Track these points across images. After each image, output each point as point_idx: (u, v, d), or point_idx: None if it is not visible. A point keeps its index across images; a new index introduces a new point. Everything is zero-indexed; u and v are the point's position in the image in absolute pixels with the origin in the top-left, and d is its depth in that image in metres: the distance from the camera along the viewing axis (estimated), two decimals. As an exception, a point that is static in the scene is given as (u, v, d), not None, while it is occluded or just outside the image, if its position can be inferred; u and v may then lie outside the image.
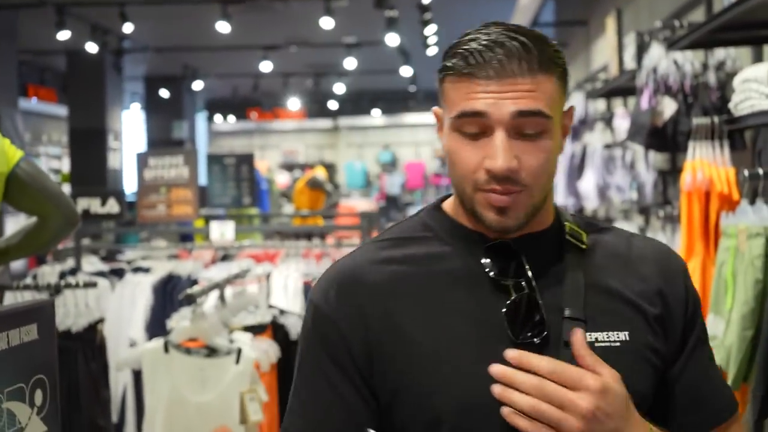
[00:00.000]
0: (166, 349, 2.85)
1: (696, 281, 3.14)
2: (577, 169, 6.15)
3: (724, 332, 2.69)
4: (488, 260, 1.23)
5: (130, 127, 15.20)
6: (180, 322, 2.97)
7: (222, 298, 3.16)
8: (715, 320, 2.78)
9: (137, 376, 4.17)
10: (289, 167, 18.12)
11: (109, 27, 10.54)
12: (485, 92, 1.17)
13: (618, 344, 1.22)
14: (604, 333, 1.22)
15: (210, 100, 17.99)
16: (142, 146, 15.47)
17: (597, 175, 5.65)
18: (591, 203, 5.94)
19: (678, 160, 4.79)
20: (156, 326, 4.46)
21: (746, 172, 2.72)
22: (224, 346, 2.86)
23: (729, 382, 2.70)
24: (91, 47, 10.49)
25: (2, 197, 2.49)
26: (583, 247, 1.28)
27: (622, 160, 5.23)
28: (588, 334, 1.20)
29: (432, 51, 10.92)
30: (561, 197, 6.76)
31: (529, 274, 1.22)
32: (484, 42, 1.17)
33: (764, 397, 2.45)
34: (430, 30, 9.71)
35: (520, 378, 1.13)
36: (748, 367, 2.58)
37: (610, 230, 1.35)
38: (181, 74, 14.53)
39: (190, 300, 2.81)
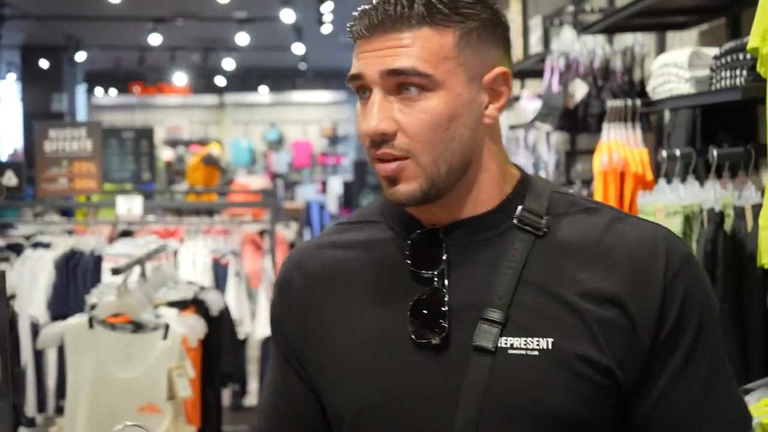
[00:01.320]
0: (91, 325, 2.85)
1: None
2: None
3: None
4: (410, 249, 1.15)
5: (6, 98, 14.62)
6: (103, 297, 2.94)
7: (143, 273, 3.13)
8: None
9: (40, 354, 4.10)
10: (173, 143, 17.84)
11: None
12: (362, 52, 1.12)
13: (536, 353, 1.09)
14: (523, 339, 1.10)
15: (91, 72, 17.45)
16: (19, 119, 14.94)
17: None
18: None
19: (579, 141, 4.99)
20: (59, 304, 4.43)
21: (664, 153, 2.87)
22: (151, 321, 2.87)
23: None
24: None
25: None
26: (539, 234, 1.13)
27: (524, 141, 5.31)
28: (503, 338, 1.10)
29: (326, 29, 10.91)
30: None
31: (443, 267, 1.14)
32: (376, 3, 1.12)
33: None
34: (326, 7, 9.71)
35: None
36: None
37: (596, 212, 1.16)
38: (63, 44, 14.06)
39: (117, 273, 2.79)
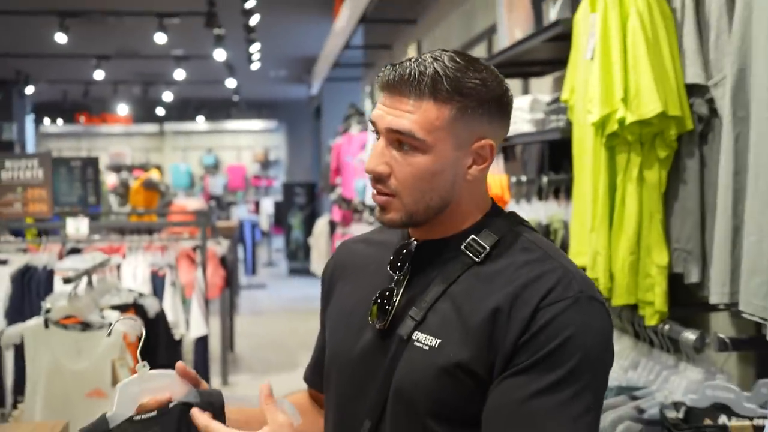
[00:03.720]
0: (47, 326, 3.02)
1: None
2: None
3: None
4: (392, 255, 1.26)
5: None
6: (56, 302, 3.16)
7: (90, 282, 3.38)
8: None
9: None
10: (116, 169, 17.72)
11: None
12: (380, 104, 1.21)
13: (427, 348, 1.19)
14: (425, 335, 1.20)
15: (39, 104, 17.31)
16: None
17: None
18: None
19: None
20: (14, 313, 4.39)
21: (513, 179, 3.27)
22: (97, 321, 3.07)
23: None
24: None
25: None
26: (476, 260, 1.21)
27: None
28: (416, 332, 1.20)
29: (255, 66, 11.09)
30: (371, 196, 7.20)
31: (403, 271, 1.25)
32: (404, 62, 1.19)
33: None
34: (254, 48, 9.92)
35: None
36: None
37: (529, 252, 1.21)
38: (13, 78, 13.96)
39: (68, 282, 3.04)
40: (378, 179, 1.21)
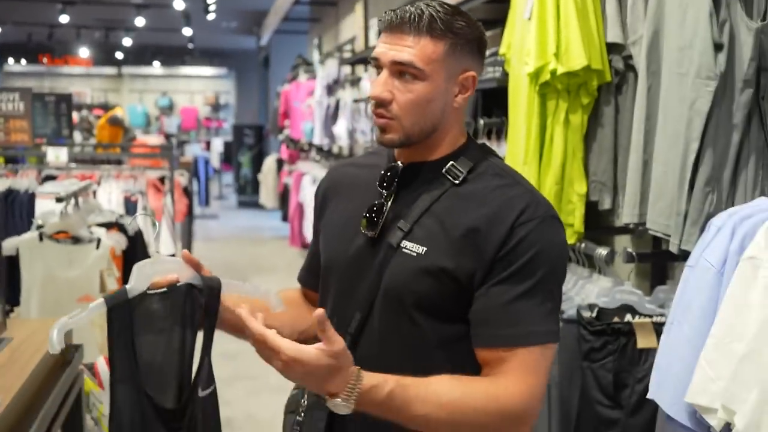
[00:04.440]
0: (41, 239, 3.05)
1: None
2: (332, 117, 6.52)
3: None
4: (381, 175, 1.31)
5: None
6: (48, 219, 3.16)
7: (77, 203, 3.39)
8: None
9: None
10: (78, 107, 17.22)
11: None
12: (382, 42, 1.25)
13: (414, 254, 1.24)
14: (412, 244, 1.25)
15: (4, 44, 16.60)
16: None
17: (347, 122, 5.95)
18: (343, 142, 6.25)
19: None
20: (0, 232, 4.44)
21: None
22: (87, 236, 3.08)
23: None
24: None
25: None
26: (456, 182, 1.27)
27: (365, 111, 5.50)
28: (404, 241, 1.25)
29: (211, 16, 10.88)
30: (318, 137, 7.22)
31: (391, 189, 1.29)
32: (403, 6, 1.24)
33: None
34: (211, -1, 9.76)
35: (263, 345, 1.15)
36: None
37: (501, 177, 1.29)
38: (-20, 19, 13.38)
39: (60, 201, 3.06)
40: (380, 104, 1.25)
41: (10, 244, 3.14)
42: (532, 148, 2.31)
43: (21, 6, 12.30)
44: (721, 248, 1.33)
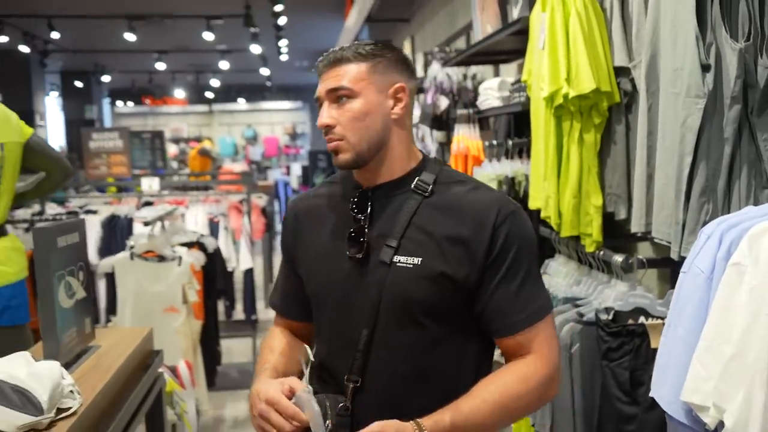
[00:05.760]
0: (132, 258, 3.16)
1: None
2: None
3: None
4: (353, 201, 1.28)
5: (50, 110, 14.47)
6: (138, 240, 3.27)
7: (163, 226, 3.49)
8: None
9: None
10: (176, 141, 17.77)
11: (38, 33, 10.09)
12: (321, 82, 1.28)
13: (411, 266, 1.22)
14: (405, 257, 1.22)
15: (113, 89, 17.28)
16: (61, 125, 14.79)
17: None
18: None
19: (450, 136, 5.32)
20: (104, 251, 4.53)
21: (487, 143, 3.31)
22: (170, 254, 3.18)
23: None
24: (23, 48, 10.05)
25: (21, 160, 2.60)
26: (426, 195, 1.26)
27: (416, 135, 5.38)
28: (396, 257, 1.23)
29: (283, 57, 11.09)
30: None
31: (366, 213, 1.26)
32: (331, 50, 1.29)
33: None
34: (283, 43, 9.92)
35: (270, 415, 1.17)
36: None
37: (464, 183, 1.29)
38: (93, 70, 13.96)
39: (147, 225, 3.15)
40: (328, 131, 1.26)
41: (106, 263, 3.27)
42: (551, 165, 2.26)
43: (125, 57, 12.80)
44: (710, 255, 1.26)
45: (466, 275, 1.22)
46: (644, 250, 2.48)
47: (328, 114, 1.26)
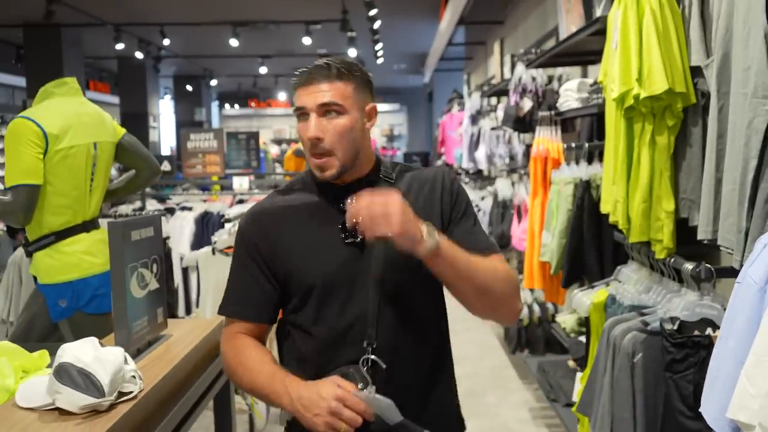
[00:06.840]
0: (213, 253, 3.28)
1: (536, 212, 3.65)
2: (474, 144, 6.50)
3: (550, 240, 3.11)
4: (339, 196, 1.34)
5: (164, 112, 15.28)
6: (221, 237, 3.40)
7: (246, 222, 3.60)
8: (546, 234, 3.23)
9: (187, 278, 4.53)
10: (278, 142, 18.29)
11: (151, 40, 10.70)
12: (302, 95, 1.32)
13: None
14: None
15: (221, 93, 18.04)
16: (172, 126, 15.57)
17: (487, 148, 5.85)
18: (483, 166, 6.21)
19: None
20: (197, 245, 4.67)
21: (564, 146, 3.21)
22: None
23: (552, 270, 3.23)
24: (139, 55, 10.67)
25: (114, 157, 2.75)
26: (391, 180, 1.40)
27: (503, 137, 5.40)
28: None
29: (380, 60, 11.21)
30: (465, 162, 7.21)
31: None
32: (312, 66, 1.34)
33: (567, 274, 2.99)
34: (379, 46, 10.03)
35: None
36: (562, 260, 3.06)
37: (411, 169, 1.45)
38: (201, 74, 14.62)
39: (228, 222, 3.27)
40: (316, 144, 1.31)
41: (191, 257, 3.40)
42: (620, 168, 2.17)
43: (231, 62, 13.34)
44: (765, 265, 1.18)
45: (441, 229, 1.35)
46: (723, 259, 2.33)
47: (317, 127, 1.31)
